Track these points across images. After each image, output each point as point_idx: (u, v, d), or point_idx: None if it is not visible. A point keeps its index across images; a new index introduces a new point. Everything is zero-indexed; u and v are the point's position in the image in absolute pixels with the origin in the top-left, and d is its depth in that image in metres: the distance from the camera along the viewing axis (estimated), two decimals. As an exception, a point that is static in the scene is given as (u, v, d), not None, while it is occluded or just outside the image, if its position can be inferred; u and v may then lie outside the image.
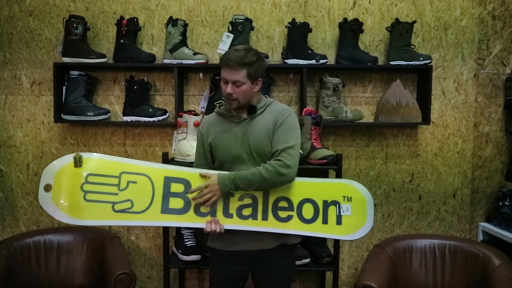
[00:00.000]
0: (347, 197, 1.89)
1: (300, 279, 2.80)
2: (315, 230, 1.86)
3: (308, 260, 2.42)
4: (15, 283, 2.34)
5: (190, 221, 1.80)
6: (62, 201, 1.73)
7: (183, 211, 1.80)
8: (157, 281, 2.81)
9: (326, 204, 1.87)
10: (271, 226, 1.82)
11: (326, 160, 2.29)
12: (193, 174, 1.83)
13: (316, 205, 1.86)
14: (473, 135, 2.75)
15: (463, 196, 2.78)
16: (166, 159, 2.38)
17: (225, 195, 1.80)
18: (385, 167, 2.76)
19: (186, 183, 1.81)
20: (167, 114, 2.59)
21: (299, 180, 1.85)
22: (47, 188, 1.73)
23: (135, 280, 2.22)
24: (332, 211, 1.87)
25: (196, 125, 2.41)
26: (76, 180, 1.74)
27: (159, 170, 1.83)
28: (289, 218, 1.84)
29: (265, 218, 1.82)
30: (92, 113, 2.54)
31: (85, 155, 1.77)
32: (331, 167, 2.34)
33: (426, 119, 2.57)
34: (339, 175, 2.34)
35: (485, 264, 2.24)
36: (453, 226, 2.79)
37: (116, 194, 1.76)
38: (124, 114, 2.59)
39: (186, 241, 2.48)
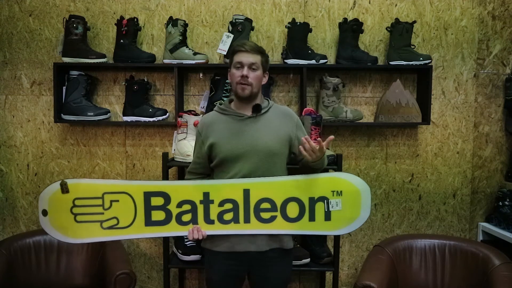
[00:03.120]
0: (337, 192, 1.85)
1: (300, 279, 2.80)
2: (302, 228, 1.86)
3: (308, 260, 2.42)
4: (15, 283, 2.34)
5: (173, 230, 1.88)
6: (57, 224, 1.87)
7: (165, 222, 1.88)
8: (157, 281, 2.81)
9: (313, 201, 1.84)
10: (254, 228, 1.83)
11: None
12: (170, 187, 1.90)
13: (301, 203, 1.84)
14: (473, 135, 2.75)
15: (463, 196, 2.78)
16: (166, 159, 2.38)
17: (205, 204, 1.84)
18: (385, 167, 2.76)
19: (165, 196, 1.88)
20: (167, 114, 2.59)
21: (281, 179, 1.84)
22: (44, 213, 1.86)
23: (135, 280, 2.22)
24: (319, 207, 1.85)
25: (196, 125, 2.41)
26: (65, 205, 1.87)
27: (138, 187, 1.90)
28: (272, 218, 1.84)
29: (247, 221, 1.83)
30: (92, 113, 2.54)
31: (69, 181, 1.88)
32: (331, 167, 2.34)
33: (426, 119, 2.57)
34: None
35: (485, 264, 2.24)
36: (453, 226, 2.79)
37: (102, 213, 1.88)
38: (124, 114, 2.59)
39: (186, 241, 2.48)
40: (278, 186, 1.84)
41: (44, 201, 1.86)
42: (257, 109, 1.84)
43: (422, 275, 2.40)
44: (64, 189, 1.85)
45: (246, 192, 1.83)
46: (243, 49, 1.78)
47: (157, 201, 1.88)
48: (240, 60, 1.78)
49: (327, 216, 1.85)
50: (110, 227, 1.87)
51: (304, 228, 1.86)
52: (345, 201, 1.85)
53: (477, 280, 2.26)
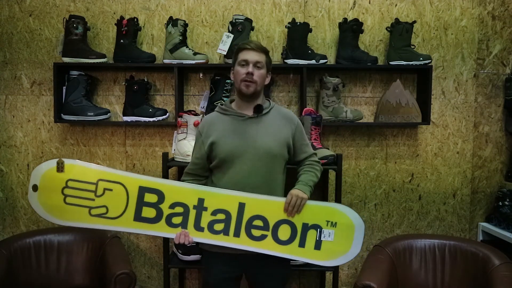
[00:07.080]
0: (331, 222, 1.83)
1: (300, 279, 2.80)
2: (290, 252, 1.82)
3: (308, 260, 2.42)
4: (15, 283, 2.34)
5: (161, 230, 1.85)
6: (45, 202, 1.85)
7: (154, 220, 1.85)
8: (157, 281, 2.81)
9: (306, 227, 1.82)
10: (243, 243, 1.81)
11: (326, 160, 2.29)
12: (167, 186, 1.87)
13: (294, 227, 1.82)
14: (473, 135, 2.75)
15: (463, 196, 2.78)
16: (166, 159, 2.38)
17: (198, 209, 1.82)
18: (385, 167, 2.76)
19: (160, 194, 1.85)
20: (167, 114, 2.59)
21: (279, 200, 1.82)
22: (34, 188, 1.84)
23: (135, 280, 2.22)
24: (311, 234, 1.82)
25: (196, 125, 2.41)
26: (58, 184, 1.85)
27: (135, 180, 1.87)
28: (263, 237, 1.81)
29: (237, 235, 1.81)
30: (92, 113, 2.54)
31: (67, 161, 1.86)
32: (331, 167, 2.34)
33: (426, 119, 2.57)
34: (339, 175, 2.34)
35: (485, 264, 2.24)
36: (453, 226, 2.79)
37: (93, 199, 1.85)
38: (124, 114, 2.59)
39: (186, 241, 2.48)
40: (274, 206, 1.82)
41: (37, 176, 1.84)
42: (258, 110, 1.84)
43: (422, 275, 2.40)
44: (60, 167, 1.83)
45: (241, 206, 1.81)
46: (248, 47, 1.79)
47: (150, 197, 1.85)
48: (246, 58, 1.79)
49: (318, 245, 1.83)
50: (98, 215, 1.84)
51: (293, 252, 1.82)
52: (338, 234, 1.84)
53: (477, 280, 2.26)
